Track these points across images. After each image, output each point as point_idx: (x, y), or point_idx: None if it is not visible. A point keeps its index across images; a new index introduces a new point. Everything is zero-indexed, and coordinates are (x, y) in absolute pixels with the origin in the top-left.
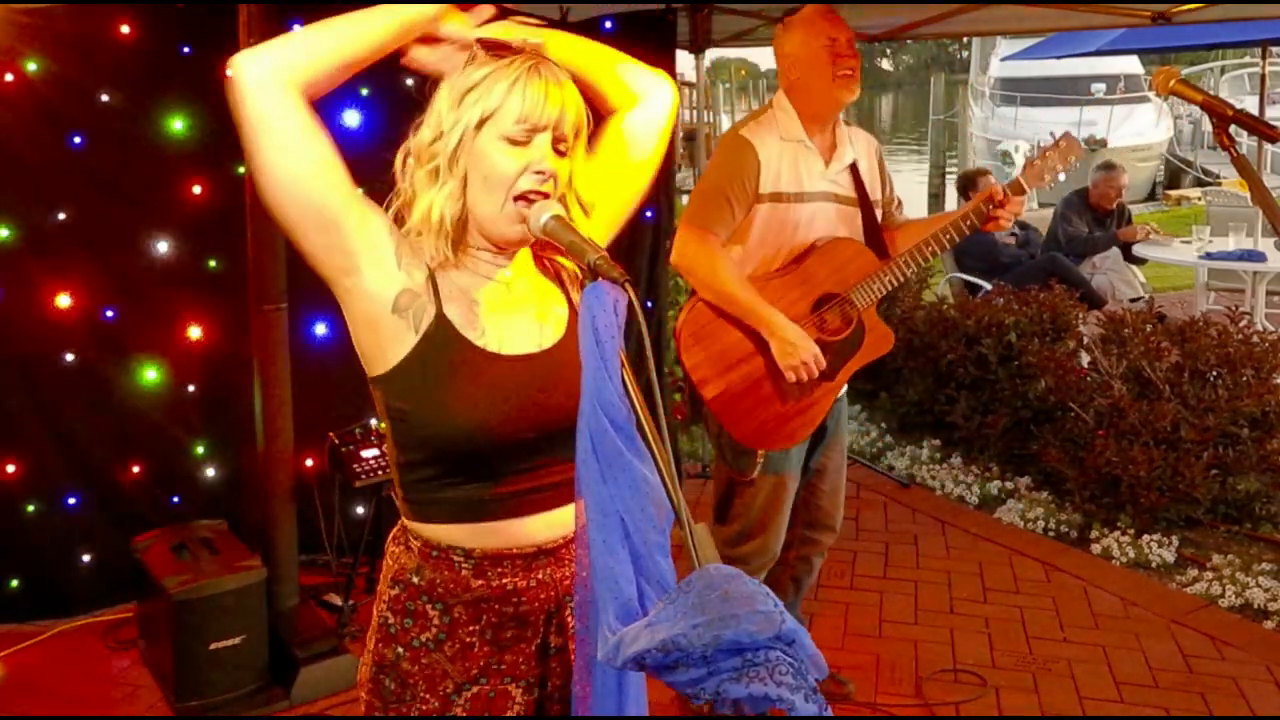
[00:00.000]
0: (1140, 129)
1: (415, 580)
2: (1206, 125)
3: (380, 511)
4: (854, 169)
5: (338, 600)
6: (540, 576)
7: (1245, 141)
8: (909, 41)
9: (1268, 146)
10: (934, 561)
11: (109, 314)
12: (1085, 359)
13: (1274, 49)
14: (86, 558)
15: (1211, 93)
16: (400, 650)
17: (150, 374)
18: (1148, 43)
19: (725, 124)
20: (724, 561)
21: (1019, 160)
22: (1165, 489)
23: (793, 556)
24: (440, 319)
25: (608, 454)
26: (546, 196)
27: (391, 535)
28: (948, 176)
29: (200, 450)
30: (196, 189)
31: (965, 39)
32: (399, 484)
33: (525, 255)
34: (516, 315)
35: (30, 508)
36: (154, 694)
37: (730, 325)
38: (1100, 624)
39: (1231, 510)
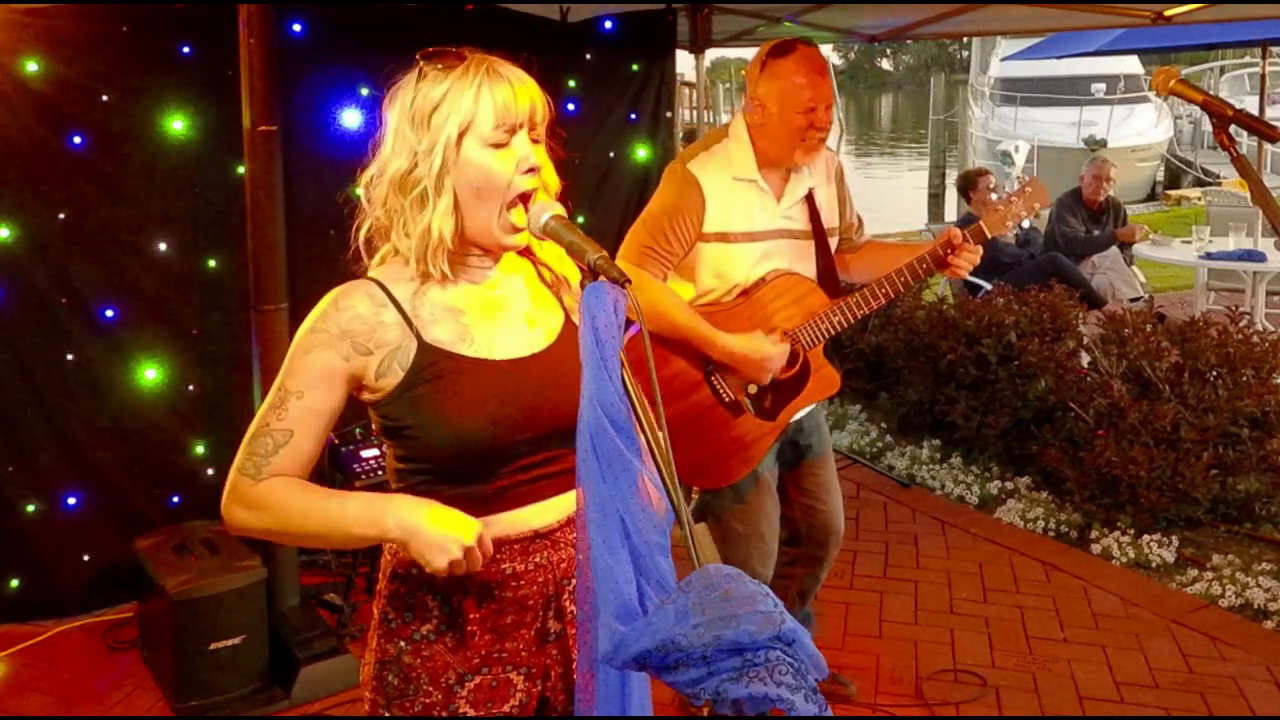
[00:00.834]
0: (1140, 129)
1: (414, 572)
2: (1206, 125)
3: None
4: (810, 199)
5: (338, 600)
6: (537, 560)
7: (1245, 141)
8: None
9: (1268, 146)
10: (934, 561)
11: (109, 314)
12: (1085, 359)
13: (1274, 49)
14: (86, 558)
15: (1211, 93)
16: (402, 644)
17: (150, 374)
18: (1148, 43)
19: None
20: None
21: (1019, 160)
22: (1165, 489)
23: (800, 573)
24: (424, 349)
25: (608, 454)
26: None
27: None
28: (948, 176)
29: (200, 450)
30: (196, 189)
31: (965, 39)
32: (395, 483)
33: (511, 258)
34: (505, 320)
35: (30, 508)
36: (154, 694)
37: (670, 358)
38: (1100, 624)
39: (1231, 510)
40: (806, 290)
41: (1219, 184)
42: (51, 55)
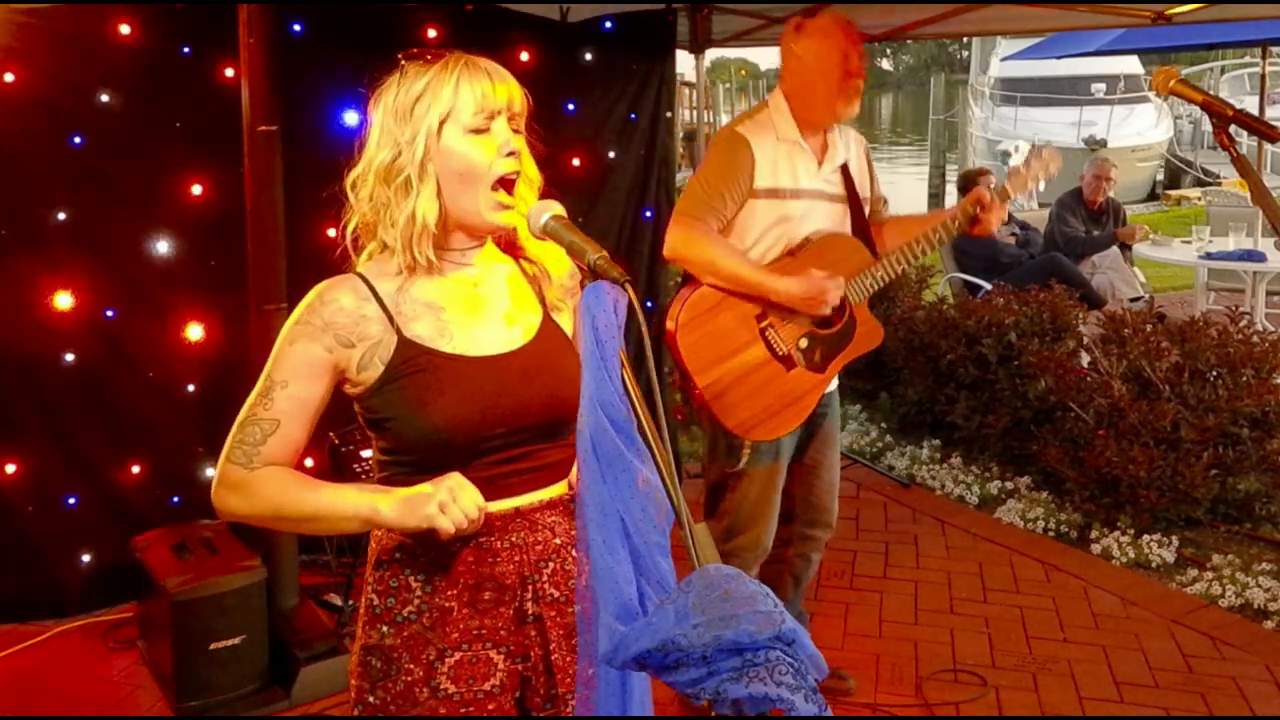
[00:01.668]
0: (1140, 129)
1: (398, 555)
2: (1206, 125)
3: None
4: (845, 169)
5: (338, 600)
6: (513, 539)
7: (1245, 141)
8: (909, 41)
9: (1268, 146)
10: (934, 561)
11: (109, 314)
12: (1085, 359)
13: (1274, 49)
14: (86, 558)
15: (1211, 93)
16: (385, 629)
17: (150, 374)
18: (1148, 43)
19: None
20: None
21: (1019, 161)
22: (1165, 489)
23: (791, 554)
24: (403, 344)
25: (608, 454)
26: (517, 175)
27: None
28: (948, 176)
29: (200, 450)
30: (196, 189)
31: (965, 39)
32: (377, 474)
33: (491, 254)
34: (485, 317)
35: (30, 508)
36: (154, 694)
37: (725, 314)
38: (1100, 624)
39: (1231, 510)
40: (851, 247)
41: (1219, 184)
42: (51, 55)
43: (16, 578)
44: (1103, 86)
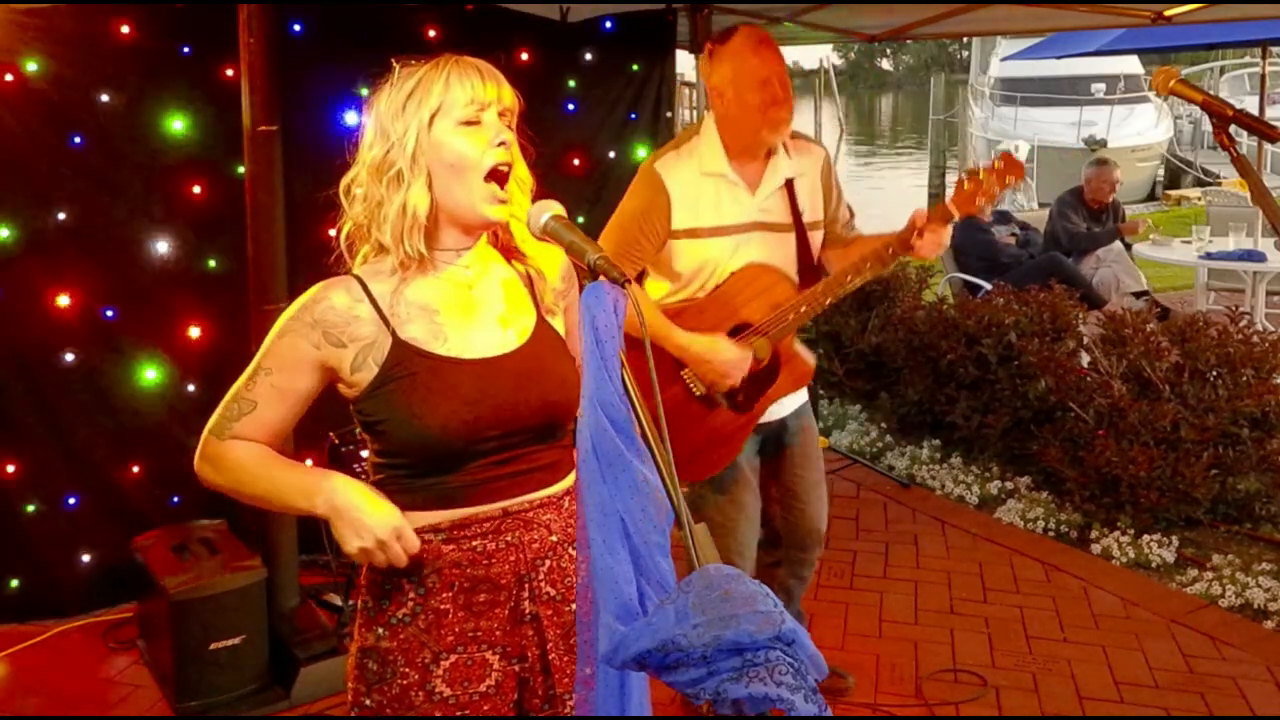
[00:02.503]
0: (1140, 129)
1: None
2: (1206, 125)
3: None
4: (790, 189)
5: (338, 600)
6: (508, 539)
7: (1245, 141)
8: (909, 41)
9: (1268, 146)
10: (934, 561)
11: (109, 314)
12: (1085, 359)
13: (1274, 49)
14: (86, 558)
15: (1211, 93)
16: (380, 631)
17: (150, 374)
18: (1148, 43)
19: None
20: None
21: (1019, 160)
22: (1165, 489)
23: (782, 574)
24: (397, 346)
25: (608, 454)
26: (510, 166)
27: None
28: (948, 176)
29: None
30: (196, 189)
31: (965, 39)
32: (373, 475)
33: (485, 256)
34: (480, 321)
35: (30, 508)
36: (154, 694)
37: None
38: (1100, 624)
39: (1231, 510)
40: (772, 281)
41: (1219, 184)
42: (51, 55)
43: (16, 578)
44: (1103, 86)
